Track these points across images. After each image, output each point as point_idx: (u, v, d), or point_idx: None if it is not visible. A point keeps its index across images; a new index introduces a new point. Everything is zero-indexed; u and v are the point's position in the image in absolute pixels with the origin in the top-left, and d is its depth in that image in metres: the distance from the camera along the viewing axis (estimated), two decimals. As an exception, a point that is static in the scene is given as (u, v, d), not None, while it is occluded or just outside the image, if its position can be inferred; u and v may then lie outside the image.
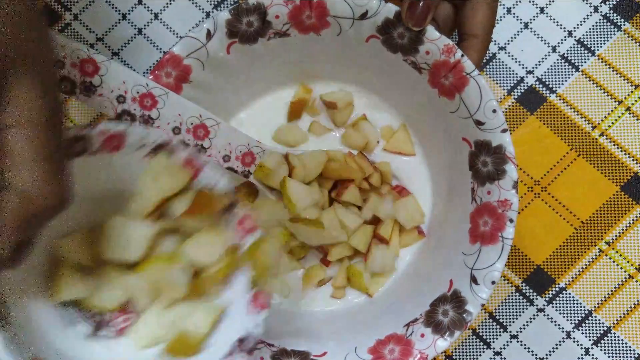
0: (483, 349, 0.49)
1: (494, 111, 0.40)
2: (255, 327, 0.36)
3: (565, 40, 0.51)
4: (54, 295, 0.37)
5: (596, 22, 0.51)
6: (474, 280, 0.40)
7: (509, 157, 0.39)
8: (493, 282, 0.39)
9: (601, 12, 0.51)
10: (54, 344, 0.36)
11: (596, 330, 0.49)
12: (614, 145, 0.50)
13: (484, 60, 0.51)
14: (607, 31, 0.51)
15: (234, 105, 0.46)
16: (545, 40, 0.51)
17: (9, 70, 0.27)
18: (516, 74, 0.51)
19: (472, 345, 0.49)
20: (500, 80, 0.51)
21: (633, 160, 0.50)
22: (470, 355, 0.49)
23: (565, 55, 0.51)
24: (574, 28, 0.51)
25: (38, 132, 0.28)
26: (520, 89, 0.51)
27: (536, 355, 0.48)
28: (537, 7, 0.52)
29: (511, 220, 0.39)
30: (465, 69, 0.40)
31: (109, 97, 0.38)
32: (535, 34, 0.51)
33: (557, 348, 0.49)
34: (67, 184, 0.29)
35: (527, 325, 0.49)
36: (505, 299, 0.49)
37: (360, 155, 0.46)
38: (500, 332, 0.49)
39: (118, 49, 0.52)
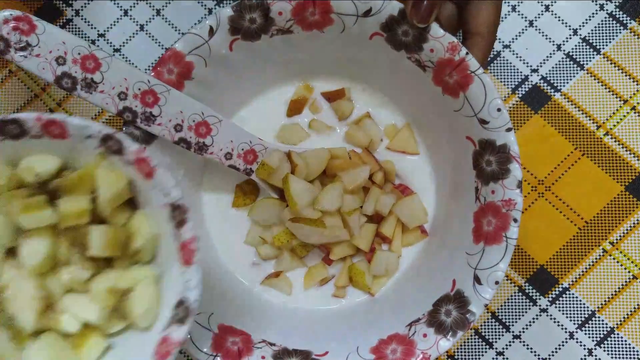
0: (485, 349, 0.48)
1: (499, 110, 0.39)
2: (187, 288, 0.33)
3: (570, 38, 0.51)
4: None
5: (602, 21, 0.51)
6: (477, 280, 0.40)
7: (514, 156, 0.39)
8: (496, 283, 0.39)
9: (607, 10, 0.51)
10: None
11: (599, 330, 0.48)
12: (618, 144, 0.50)
13: (488, 58, 0.51)
14: (612, 29, 0.51)
15: (236, 102, 0.46)
16: (550, 39, 0.51)
17: None
18: (520, 72, 0.51)
19: (475, 345, 0.49)
20: (504, 78, 0.51)
21: (638, 160, 0.49)
22: (472, 355, 0.48)
23: (570, 53, 0.51)
24: (579, 26, 0.51)
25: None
26: (525, 87, 0.50)
27: (539, 355, 0.48)
28: (542, 5, 0.51)
29: (515, 220, 0.39)
30: (470, 67, 0.39)
31: (110, 93, 0.37)
32: (540, 32, 0.51)
33: (560, 348, 0.48)
34: None
35: (530, 325, 0.49)
36: (508, 299, 0.49)
37: (365, 152, 0.46)
38: (502, 332, 0.49)
39: (120, 45, 0.51)
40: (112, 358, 0.36)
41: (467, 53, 0.39)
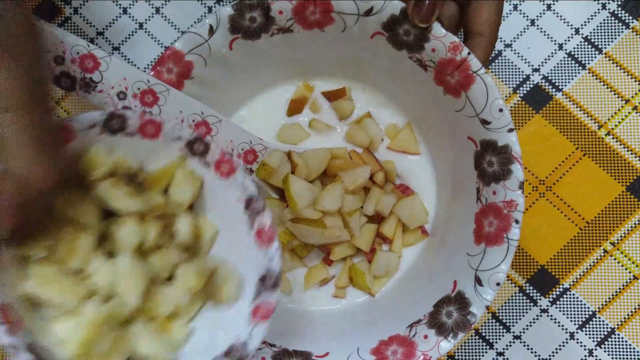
0: (486, 349, 0.48)
1: (501, 110, 0.39)
2: (270, 262, 0.36)
3: (572, 37, 0.51)
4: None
5: (604, 20, 0.50)
6: (478, 281, 0.40)
7: (515, 157, 0.39)
8: (498, 284, 0.39)
9: (609, 9, 0.51)
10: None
11: (600, 331, 0.48)
12: (620, 144, 0.50)
13: (489, 58, 0.50)
14: (614, 29, 0.50)
15: (236, 101, 0.46)
16: (551, 38, 0.51)
17: None
18: (522, 71, 0.50)
19: (475, 346, 0.48)
20: (505, 78, 0.50)
21: (639, 160, 0.49)
22: (472, 356, 0.48)
23: (572, 53, 0.50)
24: (581, 25, 0.51)
25: (23, 115, 0.27)
26: (526, 87, 0.50)
27: (539, 356, 0.48)
28: (544, 4, 0.51)
29: (517, 221, 0.39)
30: (472, 67, 0.39)
31: (109, 93, 0.37)
32: (541, 32, 0.51)
33: (560, 349, 0.48)
34: (61, 163, 0.29)
35: (531, 325, 0.48)
36: (509, 299, 0.49)
37: (366, 152, 0.45)
38: (503, 332, 0.48)
39: (119, 44, 0.51)
40: (202, 334, 0.37)
41: (468, 53, 0.39)
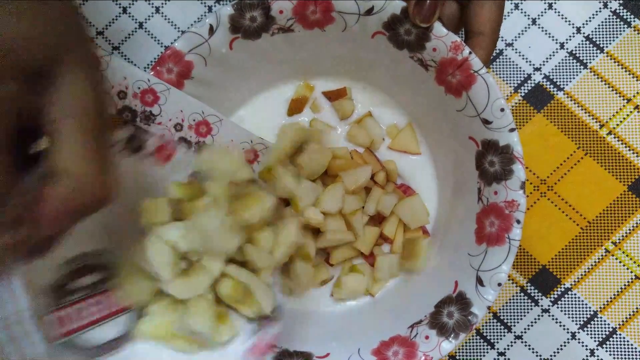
0: (487, 349, 0.48)
1: (502, 110, 0.39)
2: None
3: (573, 36, 0.50)
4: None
5: (605, 19, 0.50)
6: (479, 281, 0.39)
7: (517, 157, 0.39)
8: (499, 284, 0.39)
9: (610, 8, 0.50)
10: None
11: (602, 331, 0.48)
12: (621, 144, 0.49)
13: (491, 58, 0.50)
14: (616, 28, 0.50)
15: (235, 101, 0.46)
16: (553, 37, 0.50)
17: (56, 65, 0.27)
18: (523, 70, 0.50)
19: (476, 346, 0.48)
20: (507, 77, 0.50)
21: (641, 159, 0.49)
22: (474, 356, 0.48)
23: (574, 52, 0.50)
24: (583, 24, 0.50)
25: (89, 123, 0.28)
26: (527, 86, 0.50)
27: (540, 356, 0.48)
28: (545, 3, 0.51)
29: (518, 222, 0.39)
30: (473, 67, 0.39)
31: (109, 93, 0.37)
32: (543, 31, 0.50)
33: (561, 349, 0.48)
34: (116, 178, 0.29)
35: (532, 325, 0.48)
36: (510, 299, 0.49)
37: (367, 152, 0.45)
38: (504, 332, 0.48)
39: (118, 43, 0.51)
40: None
41: (470, 52, 0.39)
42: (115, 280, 0.37)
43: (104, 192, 0.28)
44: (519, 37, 0.50)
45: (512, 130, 0.39)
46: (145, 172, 0.35)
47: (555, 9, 0.51)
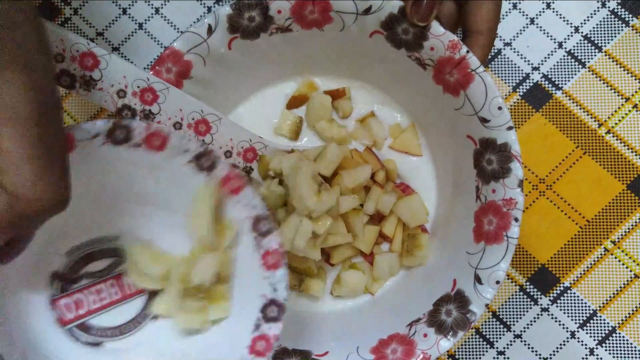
0: (486, 348, 0.48)
1: (500, 108, 0.39)
2: (274, 290, 0.35)
3: (571, 36, 0.50)
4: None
5: (603, 18, 0.50)
6: (478, 280, 0.39)
7: (515, 155, 0.39)
8: (497, 282, 0.39)
9: (609, 7, 0.50)
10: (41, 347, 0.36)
11: (601, 330, 0.48)
12: (620, 143, 0.49)
13: (489, 56, 0.50)
14: (614, 27, 0.50)
15: (234, 100, 0.46)
16: (551, 36, 0.51)
17: None
18: (521, 70, 0.50)
19: (475, 345, 0.48)
20: (505, 76, 0.50)
21: (639, 158, 0.49)
22: (473, 355, 0.48)
23: (572, 51, 0.50)
24: (581, 24, 0.51)
25: (25, 130, 0.26)
26: (526, 85, 0.50)
27: (540, 355, 0.48)
28: (543, 3, 0.51)
29: (516, 220, 0.39)
30: (471, 66, 0.39)
31: (109, 91, 0.37)
32: (541, 30, 0.51)
33: (561, 348, 0.48)
34: (63, 183, 0.28)
35: (531, 324, 0.48)
36: (509, 298, 0.49)
37: (367, 151, 0.45)
38: (503, 331, 0.48)
39: (118, 44, 0.51)
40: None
41: (467, 51, 0.39)
42: (127, 264, 0.38)
43: (47, 200, 0.27)
44: (517, 36, 0.51)
45: (509, 128, 0.39)
46: (140, 160, 0.35)
47: (553, 9, 0.51)
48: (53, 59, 0.29)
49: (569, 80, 0.50)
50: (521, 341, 0.48)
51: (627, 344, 0.48)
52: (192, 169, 0.36)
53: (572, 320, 0.48)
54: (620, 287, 0.48)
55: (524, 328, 0.48)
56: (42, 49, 0.28)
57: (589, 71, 0.50)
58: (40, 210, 0.27)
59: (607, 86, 0.50)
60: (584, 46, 0.50)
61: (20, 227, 0.28)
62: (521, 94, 0.50)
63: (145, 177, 0.36)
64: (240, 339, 0.35)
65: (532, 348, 0.48)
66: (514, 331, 0.48)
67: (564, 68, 0.50)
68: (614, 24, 0.50)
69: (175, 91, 0.39)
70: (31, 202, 0.27)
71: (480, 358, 0.48)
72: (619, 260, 0.49)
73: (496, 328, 0.48)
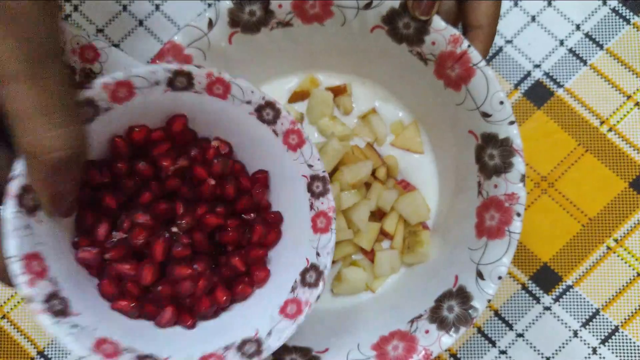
0: (488, 347, 0.48)
1: (501, 103, 0.39)
2: (317, 255, 0.34)
3: (573, 33, 0.50)
4: None
5: (605, 16, 0.50)
6: (480, 275, 0.39)
7: (516, 149, 0.39)
8: (499, 278, 0.38)
9: (610, 5, 0.50)
10: (121, 322, 0.34)
11: (604, 329, 0.48)
12: (622, 140, 0.49)
13: (490, 54, 0.50)
14: (616, 25, 0.50)
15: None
16: (552, 34, 0.50)
17: None
18: (523, 67, 0.50)
19: (477, 344, 0.48)
20: (507, 74, 0.50)
21: (642, 156, 0.49)
22: (475, 354, 0.48)
23: (573, 49, 0.50)
24: (582, 21, 0.50)
25: (26, 85, 0.26)
26: (527, 83, 0.50)
27: (542, 354, 0.47)
28: (544, 0, 0.51)
29: (518, 214, 0.38)
30: (472, 60, 0.39)
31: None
32: (542, 28, 0.51)
33: (563, 347, 0.48)
34: (77, 131, 0.28)
35: (533, 323, 0.48)
36: (511, 297, 0.48)
37: (368, 147, 0.45)
38: (505, 330, 0.48)
39: (119, 41, 0.51)
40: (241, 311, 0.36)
41: (469, 45, 0.39)
42: None
43: (65, 151, 0.27)
44: (519, 34, 0.51)
45: (511, 123, 0.39)
46: (207, 105, 0.35)
47: (554, 6, 0.51)
48: (44, 11, 0.28)
49: (570, 78, 0.50)
50: (523, 340, 0.48)
51: (630, 343, 0.47)
52: (255, 120, 0.35)
53: (574, 319, 0.48)
54: (623, 285, 0.48)
55: (526, 327, 0.48)
56: (29, 3, 0.27)
57: (590, 69, 0.50)
58: (61, 161, 0.27)
59: (609, 84, 0.50)
60: (586, 44, 0.50)
61: (57, 182, 0.28)
62: (523, 91, 0.50)
63: (218, 118, 0.36)
64: (277, 298, 0.35)
65: (535, 347, 0.48)
66: (516, 330, 0.48)
67: (566, 66, 0.50)
68: (615, 21, 0.50)
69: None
70: (49, 155, 0.27)
71: (482, 357, 0.48)
72: (622, 259, 0.48)
73: (498, 327, 0.48)
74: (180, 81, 0.33)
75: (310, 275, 0.35)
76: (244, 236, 0.37)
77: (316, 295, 0.34)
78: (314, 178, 0.35)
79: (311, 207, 0.35)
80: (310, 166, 0.35)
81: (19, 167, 0.29)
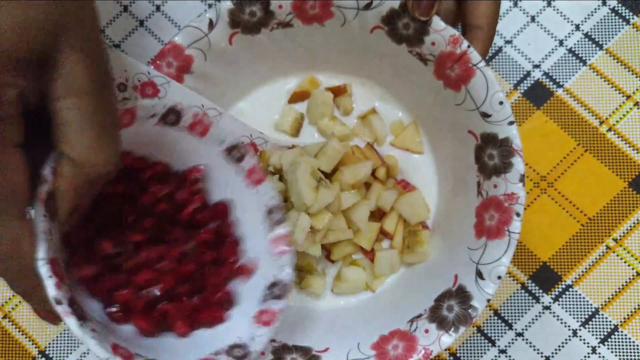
0: (488, 346, 0.48)
1: (501, 103, 0.39)
2: (280, 271, 0.38)
3: (572, 34, 0.50)
4: None
5: (604, 16, 0.50)
6: (479, 275, 0.39)
7: (516, 149, 0.39)
8: (499, 277, 0.39)
9: (609, 5, 0.51)
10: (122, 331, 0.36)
11: (603, 328, 0.48)
12: (621, 140, 0.49)
13: (490, 54, 0.50)
14: (615, 25, 0.50)
15: (235, 95, 0.46)
16: (552, 34, 0.51)
17: (56, 43, 0.28)
18: (523, 68, 0.50)
19: (477, 343, 0.48)
20: (506, 74, 0.50)
21: (641, 156, 0.49)
22: (474, 353, 0.48)
23: (573, 49, 0.50)
24: (582, 22, 0.51)
25: (88, 101, 0.29)
26: (527, 83, 0.50)
27: (542, 353, 0.48)
28: (544, 1, 0.51)
29: (518, 214, 0.39)
30: (472, 60, 0.39)
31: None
32: (542, 28, 0.51)
33: (563, 346, 0.48)
34: (118, 150, 0.31)
35: (533, 323, 0.48)
36: (511, 296, 0.48)
37: (368, 147, 0.45)
38: (505, 329, 0.48)
39: (119, 41, 0.51)
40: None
41: (468, 46, 0.39)
42: None
43: (105, 166, 0.30)
44: (518, 34, 0.51)
45: (511, 123, 0.39)
46: (184, 141, 0.38)
47: (554, 7, 0.51)
48: (101, 35, 0.32)
49: (570, 78, 0.50)
50: (523, 339, 0.48)
51: (630, 342, 0.48)
52: (224, 158, 0.39)
53: (574, 318, 0.48)
54: (623, 285, 0.48)
55: (526, 326, 0.48)
56: (98, 36, 0.31)
57: (589, 69, 0.50)
58: (100, 175, 0.30)
59: (608, 84, 0.50)
60: (585, 44, 0.50)
61: (84, 194, 0.30)
62: (522, 91, 0.50)
63: (188, 155, 0.39)
64: (248, 311, 0.38)
65: (534, 346, 0.48)
66: (516, 329, 0.48)
67: (565, 66, 0.50)
68: (615, 22, 0.50)
69: (176, 85, 0.39)
70: (92, 166, 0.29)
71: (482, 356, 0.48)
72: (621, 258, 0.48)
73: (498, 326, 0.48)
74: (170, 118, 0.36)
75: (278, 288, 0.39)
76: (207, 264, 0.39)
77: (285, 303, 0.38)
78: (272, 209, 0.39)
79: (271, 232, 0.39)
80: (270, 198, 0.39)
81: (47, 172, 0.30)
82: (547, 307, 0.48)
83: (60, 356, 0.49)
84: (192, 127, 0.37)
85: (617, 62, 0.50)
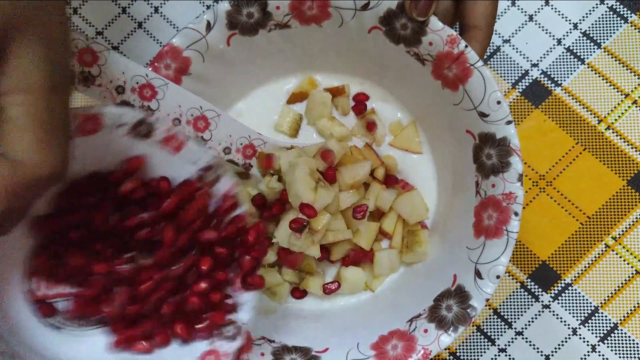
0: (487, 345, 0.48)
1: (499, 102, 0.39)
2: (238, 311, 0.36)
3: (570, 32, 0.51)
4: None
5: (602, 14, 0.50)
6: (478, 274, 0.39)
7: (514, 149, 0.39)
8: (498, 277, 0.39)
9: (607, 4, 0.51)
10: (25, 339, 0.35)
11: (603, 326, 0.48)
12: (620, 139, 0.49)
13: (488, 53, 0.50)
14: (613, 23, 0.50)
15: (233, 96, 0.46)
16: (550, 33, 0.51)
17: (8, 37, 0.27)
18: (521, 67, 0.50)
19: (477, 342, 0.48)
20: (504, 73, 0.50)
21: (639, 154, 0.49)
22: (474, 352, 0.48)
23: (571, 48, 0.50)
24: (580, 20, 0.51)
25: (36, 99, 0.27)
26: (525, 82, 0.50)
27: (541, 352, 0.48)
28: (541, 0, 0.51)
29: (516, 214, 0.39)
30: (469, 60, 0.39)
31: (108, 87, 0.37)
32: (540, 27, 0.51)
33: (562, 345, 0.48)
34: (65, 154, 0.28)
35: (533, 321, 0.48)
36: (510, 295, 0.48)
37: (367, 148, 0.45)
38: (505, 328, 0.48)
39: (118, 43, 0.51)
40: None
41: (466, 46, 0.39)
42: None
43: (46, 170, 0.28)
44: (516, 33, 0.51)
45: (508, 122, 0.39)
46: (158, 158, 0.36)
47: (551, 6, 0.51)
48: (71, 41, 0.30)
49: (568, 77, 0.50)
50: (522, 338, 0.48)
51: (629, 340, 0.48)
52: (196, 178, 0.37)
53: (573, 317, 0.48)
54: (622, 283, 0.48)
55: (525, 325, 0.48)
56: (63, 30, 0.29)
57: (588, 67, 0.50)
58: (40, 179, 0.28)
59: (607, 82, 0.50)
60: (583, 43, 0.50)
61: (21, 197, 0.28)
62: (520, 90, 0.50)
63: (161, 172, 0.37)
64: (193, 351, 0.36)
65: (534, 345, 0.48)
66: (515, 328, 0.48)
67: (563, 65, 0.50)
68: (613, 20, 0.50)
69: (174, 87, 0.39)
70: (31, 169, 0.27)
71: (481, 355, 0.48)
72: (620, 257, 0.48)
73: (497, 325, 0.48)
74: (141, 129, 0.35)
75: (228, 330, 0.36)
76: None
77: (235, 347, 0.36)
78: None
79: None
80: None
81: None
82: (546, 306, 0.48)
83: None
84: (166, 141, 0.36)
85: (616, 60, 0.50)
